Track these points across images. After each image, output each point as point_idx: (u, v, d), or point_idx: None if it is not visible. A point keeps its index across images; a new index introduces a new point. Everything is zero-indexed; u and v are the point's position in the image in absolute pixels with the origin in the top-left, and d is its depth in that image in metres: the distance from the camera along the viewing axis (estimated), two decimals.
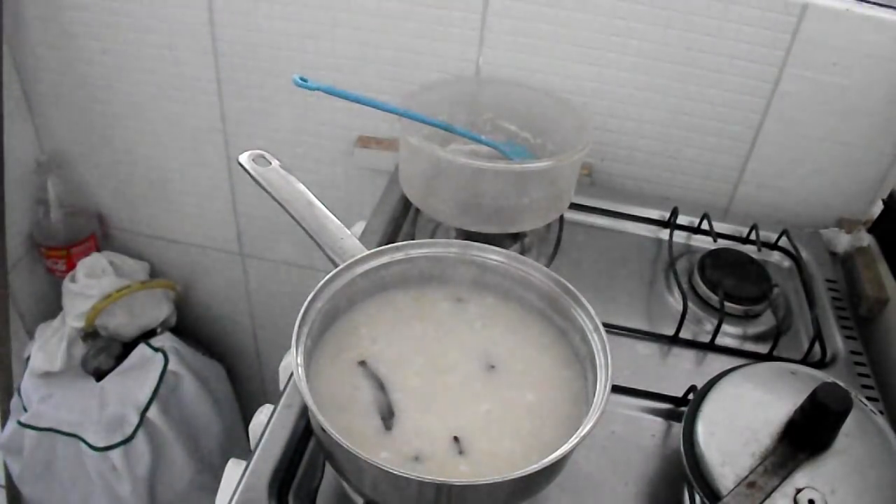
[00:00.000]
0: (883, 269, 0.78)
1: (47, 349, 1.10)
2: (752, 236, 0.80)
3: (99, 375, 1.11)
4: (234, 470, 0.57)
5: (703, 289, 0.73)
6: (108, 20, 0.94)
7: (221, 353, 1.31)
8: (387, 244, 0.56)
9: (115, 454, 1.04)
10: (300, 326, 0.48)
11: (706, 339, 0.68)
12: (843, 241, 0.84)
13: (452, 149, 0.77)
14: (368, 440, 0.47)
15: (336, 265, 0.54)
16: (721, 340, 0.68)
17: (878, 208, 0.83)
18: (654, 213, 0.83)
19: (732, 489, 0.47)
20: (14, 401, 1.12)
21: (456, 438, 0.48)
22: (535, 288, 0.56)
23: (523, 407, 0.50)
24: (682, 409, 0.59)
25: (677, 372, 0.66)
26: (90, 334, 1.11)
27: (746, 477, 0.47)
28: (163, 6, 0.91)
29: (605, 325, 0.51)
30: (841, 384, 0.49)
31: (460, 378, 0.52)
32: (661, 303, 0.74)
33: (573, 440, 0.44)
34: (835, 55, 0.76)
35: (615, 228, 0.82)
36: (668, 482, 0.56)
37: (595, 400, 0.47)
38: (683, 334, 0.68)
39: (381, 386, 0.51)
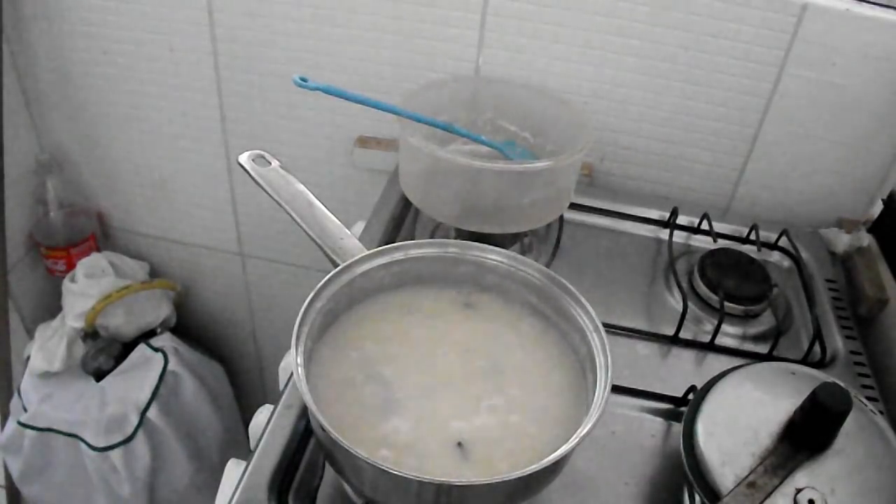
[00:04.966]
0: (883, 269, 0.78)
1: (47, 349, 1.10)
2: (752, 236, 0.80)
3: (99, 375, 1.11)
4: (234, 470, 0.57)
5: (703, 289, 0.73)
6: (108, 20, 0.94)
7: (221, 353, 1.31)
8: (387, 244, 0.56)
9: (115, 454, 1.04)
10: (300, 326, 0.48)
11: (706, 339, 0.68)
12: (843, 241, 0.84)
13: (452, 149, 0.77)
14: (369, 440, 0.47)
15: (336, 265, 0.54)
16: (721, 340, 0.68)
17: (878, 208, 0.83)
18: (654, 213, 0.83)
19: (732, 489, 0.47)
20: (14, 401, 1.12)
21: (459, 444, 0.48)
22: (535, 288, 0.56)
23: (523, 407, 0.50)
24: (682, 409, 0.59)
25: (677, 372, 0.66)
26: (90, 334, 1.11)
27: (746, 477, 0.47)
28: (163, 6, 0.91)
29: (604, 325, 0.51)
30: (841, 384, 0.49)
31: (460, 377, 0.52)
32: (661, 303, 0.74)
33: (573, 440, 0.44)
34: (834, 55, 0.76)
35: (615, 228, 0.82)
36: (668, 482, 0.56)
37: (595, 400, 0.47)
38: (683, 334, 0.68)
39: (380, 385, 0.51)
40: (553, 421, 0.50)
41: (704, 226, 0.81)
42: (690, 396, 0.58)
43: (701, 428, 0.51)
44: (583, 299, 0.53)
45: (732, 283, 0.72)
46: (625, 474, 0.56)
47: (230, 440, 1.19)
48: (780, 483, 0.47)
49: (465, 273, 0.57)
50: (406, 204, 0.79)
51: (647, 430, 0.60)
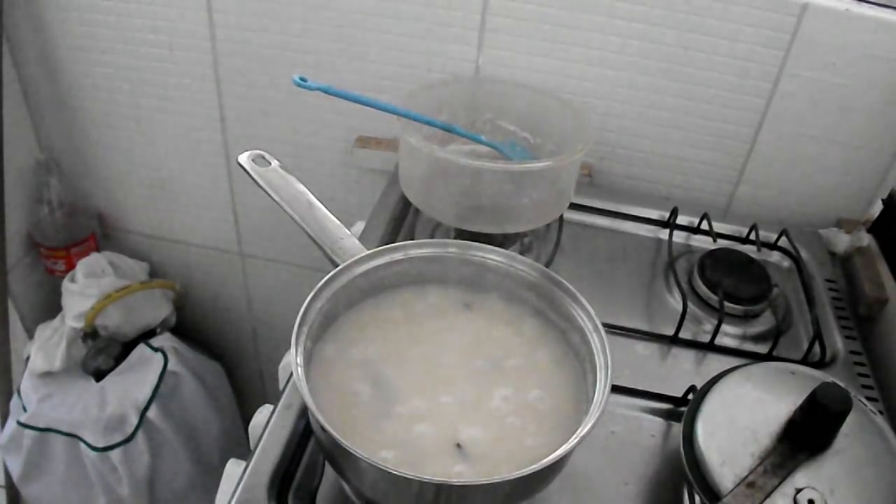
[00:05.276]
0: (883, 269, 0.78)
1: (47, 349, 1.10)
2: (752, 236, 0.80)
3: (98, 375, 1.11)
4: (234, 470, 0.57)
5: (702, 289, 0.73)
6: (107, 20, 0.94)
7: (221, 353, 1.31)
8: (387, 244, 0.56)
9: (115, 454, 1.04)
10: (300, 326, 0.48)
11: (706, 339, 0.68)
12: (842, 241, 0.84)
13: (452, 149, 0.77)
14: (368, 440, 0.47)
15: (336, 265, 0.54)
16: (721, 340, 0.68)
17: (877, 208, 0.83)
18: (654, 213, 0.83)
19: (732, 489, 0.47)
20: (14, 401, 1.12)
21: (459, 444, 0.48)
22: (534, 288, 0.56)
23: (523, 407, 0.50)
24: (682, 409, 0.59)
25: (677, 372, 0.66)
26: (90, 334, 1.11)
27: (746, 477, 0.47)
28: (163, 6, 0.91)
29: (604, 325, 0.51)
30: (841, 384, 0.49)
31: (460, 378, 0.52)
32: (661, 303, 0.74)
33: (573, 440, 0.44)
34: (834, 55, 0.76)
35: (615, 228, 0.82)
36: (668, 482, 0.56)
37: (595, 400, 0.47)
38: (683, 334, 0.68)
39: (380, 386, 0.51)
40: (553, 421, 0.50)
41: (704, 226, 0.81)
42: (690, 396, 0.58)
43: (701, 428, 0.51)
44: (583, 299, 0.53)
45: (732, 283, 0.72)
46: (625, 474, 0.56)
47: (230, 440, 1.19)
48: (780, 483, 0.47)
49: (465, 273, 0.57)
50: (406, 204, 0.79)
51: (646, 430, 0.60)
